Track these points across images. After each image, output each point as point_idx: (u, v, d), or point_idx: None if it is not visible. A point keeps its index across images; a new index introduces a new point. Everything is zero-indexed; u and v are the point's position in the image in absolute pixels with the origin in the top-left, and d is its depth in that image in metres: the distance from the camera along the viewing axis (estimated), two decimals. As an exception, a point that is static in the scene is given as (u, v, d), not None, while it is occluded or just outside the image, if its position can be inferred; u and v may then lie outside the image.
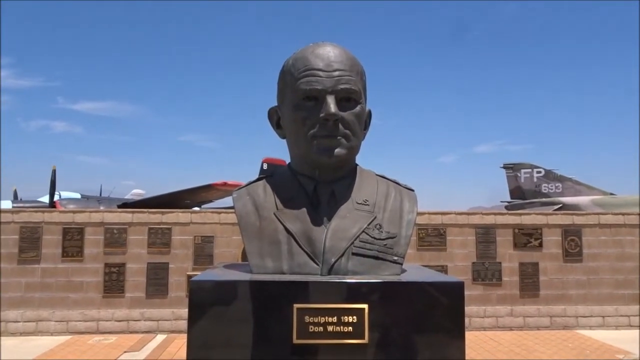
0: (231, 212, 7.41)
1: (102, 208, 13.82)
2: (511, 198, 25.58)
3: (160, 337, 7.21)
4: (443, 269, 7.52)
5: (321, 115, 1.52)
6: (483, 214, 8.23)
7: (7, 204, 17.08)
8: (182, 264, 7.59)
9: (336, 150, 1.55)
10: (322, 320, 1.37)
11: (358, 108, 1.59)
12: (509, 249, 7.96)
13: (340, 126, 1.55)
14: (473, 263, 7.88)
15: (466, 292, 1.56)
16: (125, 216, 7.74)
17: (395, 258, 1.56)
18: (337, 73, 1.55)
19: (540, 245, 7.99)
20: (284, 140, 1.74)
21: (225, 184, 16.08)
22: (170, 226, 7.68)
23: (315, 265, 1.50)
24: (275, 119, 1.75)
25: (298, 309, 1.38)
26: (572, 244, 8.00)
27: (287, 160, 1.78)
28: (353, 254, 1.52)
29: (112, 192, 23.16)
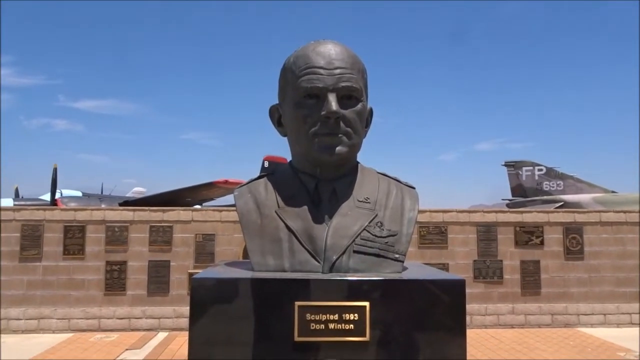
0: (232, 210, 7.41)
1: (103, 206, 13.85)
2: (512, 196, 25.58)
3: (161, 335, 7.23)
4: (444, 267, 7.52)
5: (322, 113, 1.52)
6: (484, 211, 8.22)
7: (8, 202, 17.12)
8: (183, 262, 7.60)
9: (337, 148, 1.55)
10: (324, 317, 1.38)
11: (359, 106, 1.59)
12: (510, 246, 7.96)
13: (342, 124, 1.55)
14: (474, 261, 7.88)
15: (467, 290, 1.56)
16: (127, 214, 7.76)
17: (397, 256, 1.56)
18: (338, 71, 1.55)
19: (542, 243, 7.99)
20: (285, 138, 1.74)
21: (226, 181, 16.08)
22: (171, 224, 7.69)
23: (316, 263, 1.50)
24: (277, 116, 1.74)
25: (299, 306, 1.38)
26: (574, 242, 8.00)
27: (289, 158, 1.78)
28: (354, 251, 1.52)
29: (113, 190, 23.21)
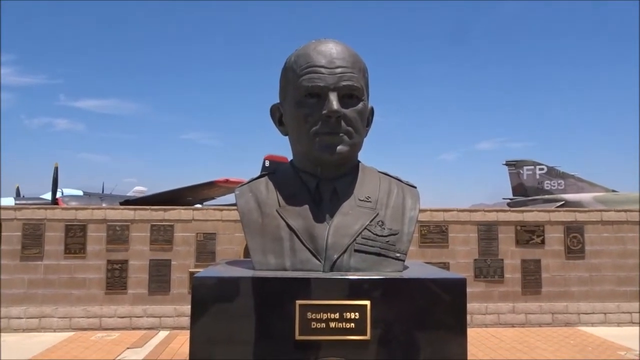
0: (233, 209, 7.42)
1: (104, 205, 13.86)
2: (513, 195, 25.56)
3: (162, 334, 7.24)
4: (445, 266, 7.52)
5: (323, 112, 1.52)
6: (485, 210, 8.22)
7: (9, 201, 17.15)
8: (184, 261, 7.61)
9: (338, 148, 1.55)
10: (325, 316, 1.38)
11: (360, 105, 1.59)
12: (511, 246, 7.96)
13: (343, 123, 1.55)
14: (475, 260, 7.88)
15: (468, 289, 1.56)
16: (128, 213, 7.76)
17: (398, 255, 1.56)
18: (339, 70, 1.55)
19: (543, 242, 7.99)
20: (287, 138, 1.74)
21: (227, 181, 16.08)
22: (172, 223, 7.70)
23: (317, 262, 1.50)
24: (278, 116, 1.74)
25: (300, 305, 1.38)
26: (575, 241, 8.00)
27: (290, 157, 1.78)
28: (355, 250, 1.52)
29: (114, 189, 23.23)
